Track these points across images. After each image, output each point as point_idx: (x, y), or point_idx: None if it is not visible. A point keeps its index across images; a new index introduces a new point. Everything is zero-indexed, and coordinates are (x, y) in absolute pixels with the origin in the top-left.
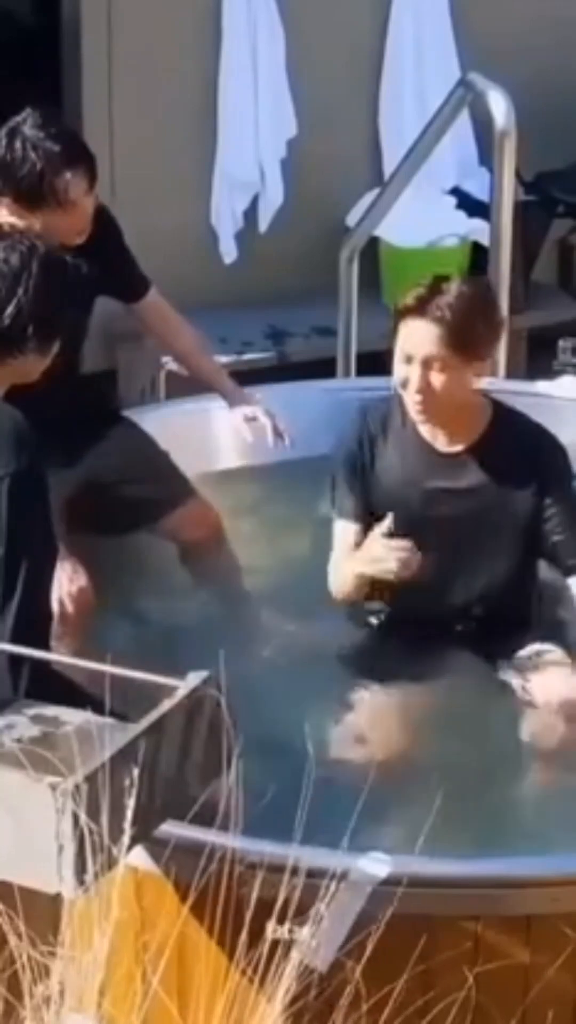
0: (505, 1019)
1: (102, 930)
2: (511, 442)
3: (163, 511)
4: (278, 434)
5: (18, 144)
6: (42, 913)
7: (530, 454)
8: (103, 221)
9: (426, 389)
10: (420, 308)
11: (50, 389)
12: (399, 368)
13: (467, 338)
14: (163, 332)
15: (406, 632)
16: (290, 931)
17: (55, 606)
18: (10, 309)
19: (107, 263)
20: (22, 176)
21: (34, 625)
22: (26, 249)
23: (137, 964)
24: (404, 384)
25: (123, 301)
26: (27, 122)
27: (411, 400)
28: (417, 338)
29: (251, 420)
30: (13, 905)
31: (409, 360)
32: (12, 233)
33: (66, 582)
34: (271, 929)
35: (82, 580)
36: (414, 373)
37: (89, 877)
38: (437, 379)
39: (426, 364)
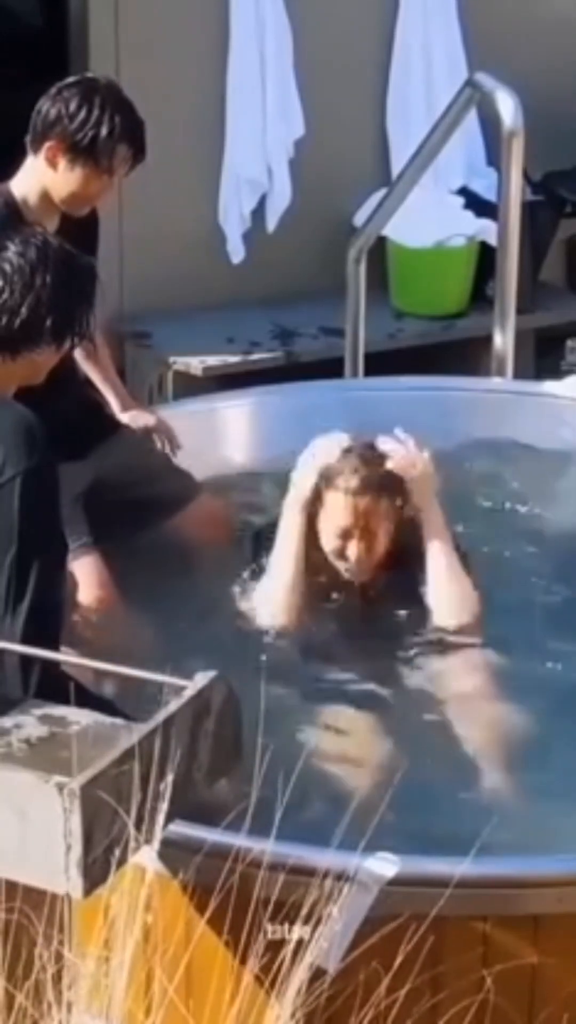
0: (514, 1018)
1: (129, 933)
2: None
3: (172, 509)
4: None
5: (98, 100)
6: (52, 916)
7: None
8: (94, 221)
9: None
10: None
11: (51, 391)
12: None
13: None
14: None
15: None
16: (289, 931)
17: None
18: (30, 299)
19: None
20: (89, 128)
21: (45, 626)
22: (41, 243)
23: (148, 965)
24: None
25: None
26: (109, 88)
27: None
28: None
29: (144, 428)
30: (33, 907)
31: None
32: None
33: (96, 585)
34: (274, 930)
35: (108, 585)
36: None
37: (95, 878)
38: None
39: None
